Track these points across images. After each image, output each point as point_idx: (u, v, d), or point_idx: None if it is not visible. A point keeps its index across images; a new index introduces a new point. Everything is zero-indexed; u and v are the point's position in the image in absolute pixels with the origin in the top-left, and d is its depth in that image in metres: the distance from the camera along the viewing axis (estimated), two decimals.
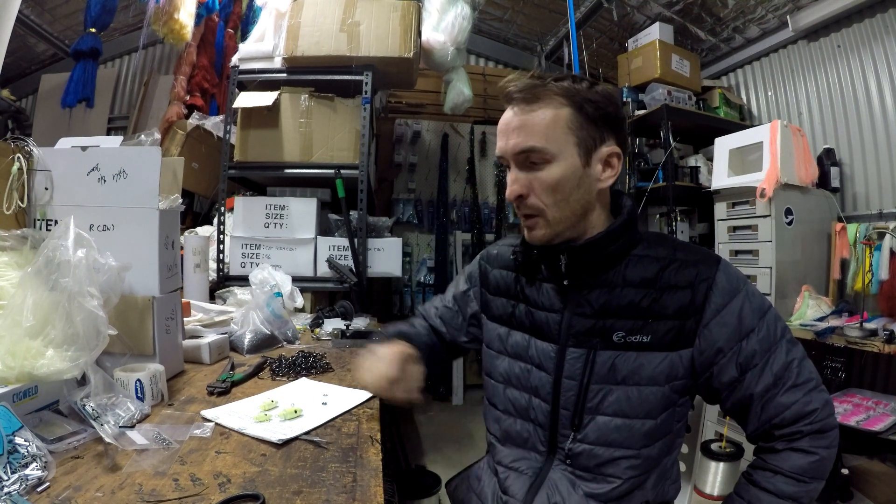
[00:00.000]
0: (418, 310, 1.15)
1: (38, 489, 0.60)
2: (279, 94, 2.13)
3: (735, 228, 2.38)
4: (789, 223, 2.21)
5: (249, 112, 2.15)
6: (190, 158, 2.70)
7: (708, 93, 3.09)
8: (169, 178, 2.10)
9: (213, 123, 2.86)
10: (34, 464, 0.62)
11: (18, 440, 0.63)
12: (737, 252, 2.35)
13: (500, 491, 0.88)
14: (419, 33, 2.36)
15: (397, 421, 2.89)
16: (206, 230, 2.36)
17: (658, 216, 3.05)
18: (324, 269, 2.13)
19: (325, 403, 0.95)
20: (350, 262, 2.11)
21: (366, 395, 1.00)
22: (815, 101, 2.66)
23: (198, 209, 3.00)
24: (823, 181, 2.42)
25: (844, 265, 2.26)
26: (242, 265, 2.12)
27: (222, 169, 2.20)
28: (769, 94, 2.97)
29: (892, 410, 1.81)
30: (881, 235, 2.08)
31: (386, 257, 2.25)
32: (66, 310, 0.77)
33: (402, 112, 3.80)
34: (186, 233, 2.27)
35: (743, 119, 3.08)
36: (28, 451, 0.63)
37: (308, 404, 0.93)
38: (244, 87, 2.28)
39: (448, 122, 3.78)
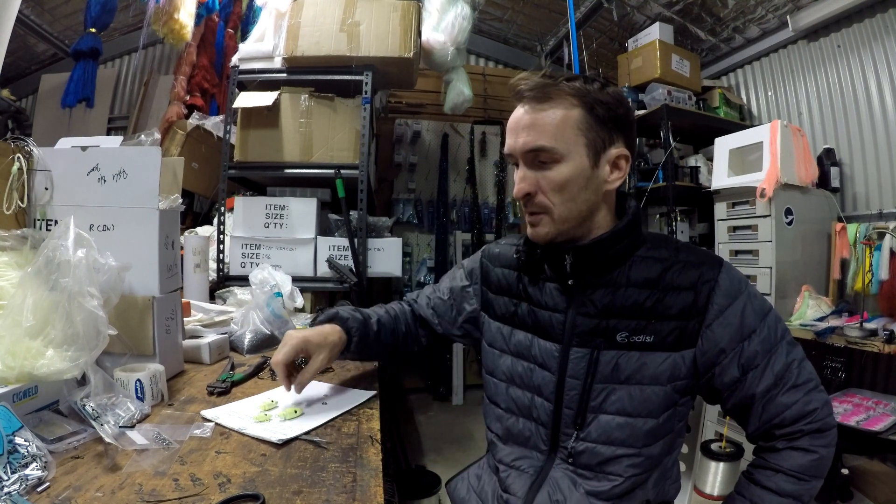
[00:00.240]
0: (407, 297, 1.14)
1: (38, 489, 0.60)
2: (279, 94, 2.13)
3: (735, 228, 2.38)
4: (789, 223, 2.21)
5: (249, 112, 2.14)
6: (190, 158, 2.70)
7: (708, 93, 3.08)
8: (169, 178, 2.10)
9: (213, 123, 2.86)
10: (34, 464, 0.62)
11: (18, 440, 0.63)
12: (737, 252, 2.35)
13: (501, 489, 0.88)
14: (419, 33, 2.36)
15: (397, 421, 2.90)
16: (206, 230, 2.36)
17: (658, 216, 3.05)
18: (324, 269, 2.13)
19: (325, 403, 0.95)
20: (350, 262, 2.10)
21: (366, 395, 1.00)
22: (815, 101, 2.66)
23: (198, 209, 3.00)
24: (823, 181, 2.42)
25: (844, 265, 2.26)
26: (242, 265, 2.12)
27: (222, 169, 2.20)
28: (769, 94, 2.97)
29: (892, 410, 1.81)
30: (881, 235, 2.08)
31: (386, 257, 2.25)
32: (66, 310, 0.77)
33: (402, 112, 3.79)
34: (186, 233, 2.27)
35: (743, 119, 3.08)
36: (28, 451, 0.63)
37: (308, 404, 0.93)
38: (244, 87, 2.28)
39: (448, 122, 3.78)
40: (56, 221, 1.01)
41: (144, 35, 2.79)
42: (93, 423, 0.72)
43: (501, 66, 4.15)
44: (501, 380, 0.91)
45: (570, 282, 0.83)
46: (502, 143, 3.36)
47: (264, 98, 2.09)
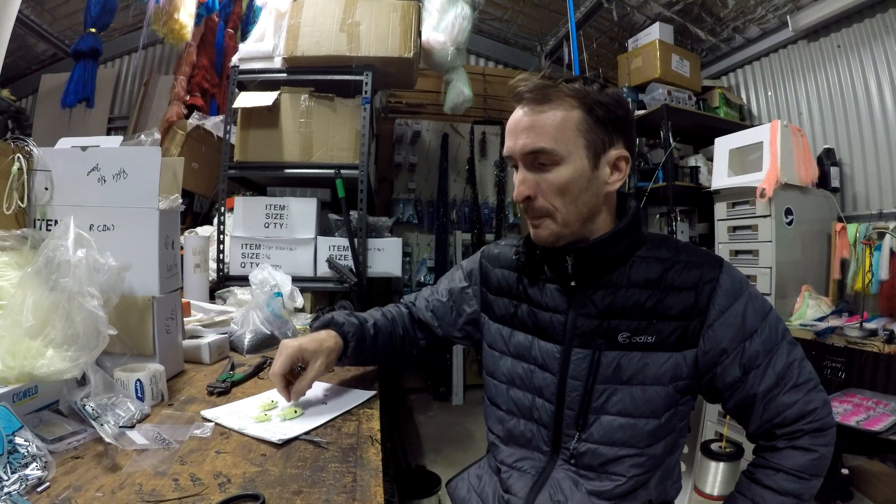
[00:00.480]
0: (404, 299, 1.13)
1: (38, 489, 0.60)
2: (279, 94, 2.13)
3: (735, 228, 2.38)
4: (789, 223, 2.21)
5: (249, 112, 2.15)
6: (190, 158, 2.70)
7: (708, 93, 3.09)
8: (169, 178, 2.10)
9: (213, 123, 2.86)
10: (34, 464, 0.62)
11: (18, 440, 0.63)
12: (737, 252, 2.35)
13: (502, 490, 0.88)
14: (419, 33, 2.36)
15: (397, 421, 2.90)
16: (206, 230, 2.36)
17: (658, 216, 3.05)
18: (324, 269, 2.13)
19: (324, 403, 0.95)
20: (350, 262, 2.10)
21: (366, 395, 1.00)
22: (815, 101, 2.66)
23: (198, 209, 3.00)
24: (823, 181, 2.42)
25: (844, 265, 2.26)
26: (242, 265, 2.12)
27: (222, 169, 2.20)
28: (769, 94, 2.97)
29: (892, 410, 1.81)
30: (881, 235, 2.08)
31: (386, 257, 2.25)
32: (66, 310, 0.76)
33: (402, 112, 3.80)
34: (186, 233, 2.27)
35: (743, 119, 3.08)
36: (28, 451, 0.63)
37: (308, 404, 0.93)
38: (244, 87, 2.28)
39: (448, 122, 3.79)
40: (56, 221, 1.01)
41: (144, 35, 2.79)
42: (93, 423, 0.72)
43: (501, 66, 4.15)
44: (502, 381, 0.91)
45: (572, 283, 0.83)
46: (502, 144, 3.35)
47: (264, 98, 2.09)
